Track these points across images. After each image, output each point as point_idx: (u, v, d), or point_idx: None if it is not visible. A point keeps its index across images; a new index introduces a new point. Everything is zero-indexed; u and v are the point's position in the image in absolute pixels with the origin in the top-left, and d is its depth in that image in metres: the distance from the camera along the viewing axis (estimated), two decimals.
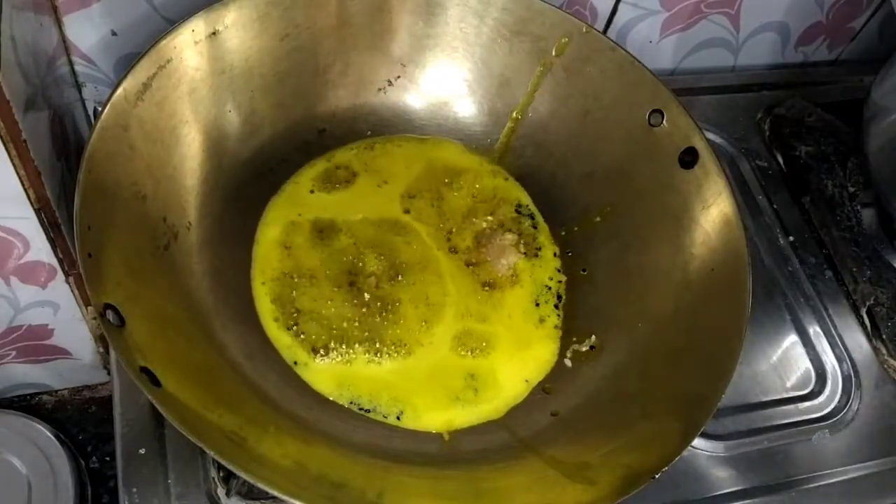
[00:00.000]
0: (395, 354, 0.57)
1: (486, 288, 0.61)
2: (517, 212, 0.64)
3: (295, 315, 0.57)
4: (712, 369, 0.52)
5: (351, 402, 0.55)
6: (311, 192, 0.62)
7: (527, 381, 0.58)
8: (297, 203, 0.61)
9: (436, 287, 0.60)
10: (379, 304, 0.58)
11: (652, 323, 0.58)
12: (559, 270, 0.63)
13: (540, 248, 0.63)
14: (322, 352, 0.55)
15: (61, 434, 0.75)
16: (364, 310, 0.58)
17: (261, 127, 0.61)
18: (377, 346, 0.57)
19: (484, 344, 0.58)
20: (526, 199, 0.65)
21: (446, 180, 0.65)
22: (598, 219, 0.63)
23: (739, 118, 0.79)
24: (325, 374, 0.55)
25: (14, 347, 0.70)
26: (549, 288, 0.62)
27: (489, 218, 0.64)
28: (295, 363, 0.55)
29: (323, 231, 0.61)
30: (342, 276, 0.59)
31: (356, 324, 0.57)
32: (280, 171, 0.62)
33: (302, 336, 0.56)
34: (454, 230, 0.63)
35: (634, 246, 0.61)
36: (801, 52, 0.85)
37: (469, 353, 0.58)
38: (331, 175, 0.63)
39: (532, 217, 0.65)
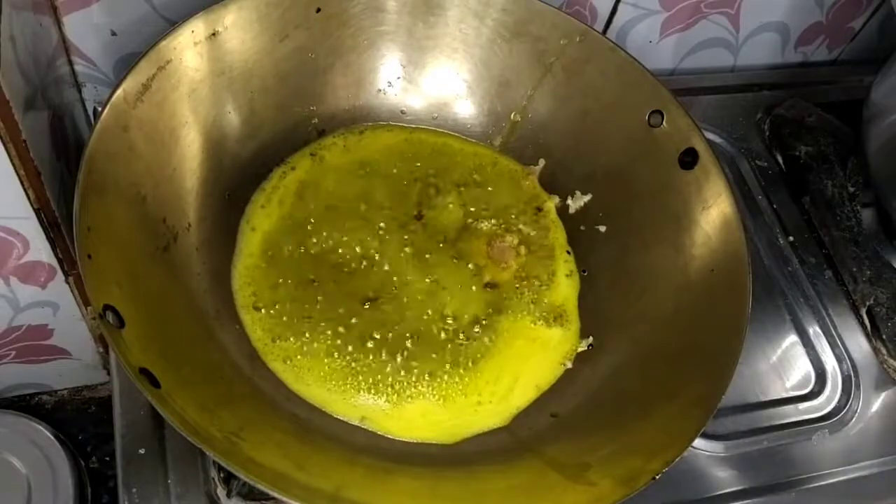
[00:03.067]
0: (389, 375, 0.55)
1: (489, 288, 0.60)
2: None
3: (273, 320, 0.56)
4: (712, 369, 0.52)
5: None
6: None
7: (537, 386, 0.57)
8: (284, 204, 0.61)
9: (436, 292, 0.59)
10: (370, 314, 0.57)
11: (652, 323, 0.58)
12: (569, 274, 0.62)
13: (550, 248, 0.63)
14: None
15: (61, 434, 0.75)
16: (354, 320, 0.57)
17: (261, 128, 0.61)
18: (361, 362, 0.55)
19: (494, 353, 0.57)
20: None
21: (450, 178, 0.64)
22: (598, 220, 0.63)
23: (739, 118, 0.79)
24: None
25: (14, 347, 0.70)
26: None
27: (493, 221, 0.63)
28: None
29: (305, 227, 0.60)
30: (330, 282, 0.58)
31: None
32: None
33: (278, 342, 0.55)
34: (459, 232, 0.62)
35: (634, 247, 0.61)
36: (801, 52, 0.85)
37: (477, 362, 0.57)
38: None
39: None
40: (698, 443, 0.60)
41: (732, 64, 0.84)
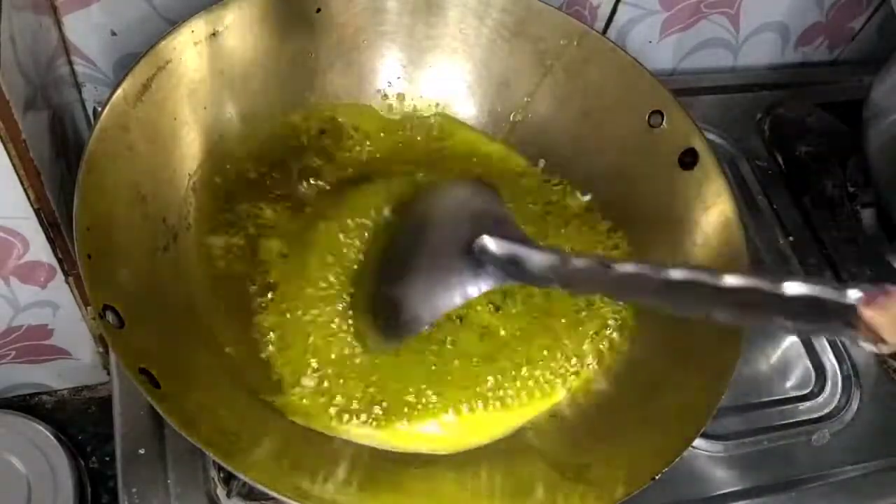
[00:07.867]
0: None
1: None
2: None
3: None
4: (712, 369, 0.52)
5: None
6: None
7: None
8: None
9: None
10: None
11: (652, 323, 0.58)
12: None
13: None
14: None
15: (61, 434, 0.75)
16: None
17: (260, 128, 0.61)
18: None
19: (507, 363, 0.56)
20: None
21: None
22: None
23: (739, 118, 0.79)
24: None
25: (14, 347, 0.70)
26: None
27: None
28: None
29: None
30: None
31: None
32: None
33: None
34: None
35: (634, 248, 0.61)
36: (801, 52, 0.85)
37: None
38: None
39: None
40: (698, 443, 0.60)
41: (732, 64, 0.84)
